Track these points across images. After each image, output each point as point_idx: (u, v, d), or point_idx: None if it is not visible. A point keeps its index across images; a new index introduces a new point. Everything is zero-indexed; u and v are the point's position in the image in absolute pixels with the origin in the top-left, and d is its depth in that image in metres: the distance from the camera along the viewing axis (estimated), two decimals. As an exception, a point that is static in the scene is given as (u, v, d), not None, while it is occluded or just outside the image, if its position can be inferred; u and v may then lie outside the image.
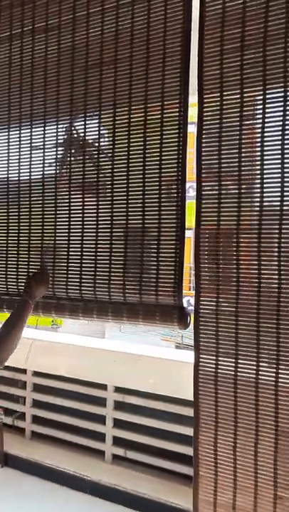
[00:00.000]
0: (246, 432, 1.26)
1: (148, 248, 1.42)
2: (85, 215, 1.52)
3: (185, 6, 1.32)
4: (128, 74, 1.42)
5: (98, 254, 1.50)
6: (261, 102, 1.23)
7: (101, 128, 1.50)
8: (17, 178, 1.66)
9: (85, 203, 1.52)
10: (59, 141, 1.57)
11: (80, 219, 1.53)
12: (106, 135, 1.49)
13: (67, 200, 1.56)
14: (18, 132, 1.65)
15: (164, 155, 1.37)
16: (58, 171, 1.59)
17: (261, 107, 1.23)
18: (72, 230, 1.55)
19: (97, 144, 1.51)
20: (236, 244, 1.25)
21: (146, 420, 1.66)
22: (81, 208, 1.53)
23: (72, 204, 1.55)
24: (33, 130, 1.61)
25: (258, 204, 1.22)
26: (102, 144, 1.50)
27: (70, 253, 1.55)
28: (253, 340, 1.25)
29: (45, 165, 1.60)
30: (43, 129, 1.60)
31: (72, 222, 1.55)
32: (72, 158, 1.56)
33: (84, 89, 1.51)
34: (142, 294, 1.42)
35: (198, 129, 1.31)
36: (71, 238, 1.55)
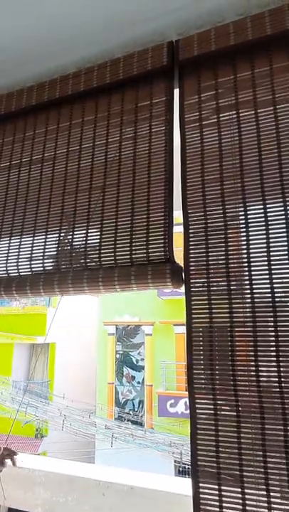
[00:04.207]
0: None
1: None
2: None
3: (167, 142, 1.48)
4: (115, 197, 1.52)
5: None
6: (243, 212, 1.28)
7: (88, 238, 1.53)
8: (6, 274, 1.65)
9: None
10: (46, 252, 1.60)
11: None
12: (94, 243, 1.52)
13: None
14: (8, 242, 1.69)
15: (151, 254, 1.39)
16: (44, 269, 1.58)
17: (243, 216, 1.27)
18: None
19: (84, 255, 1.52)
20: (231, 340, 1.15)
21: None
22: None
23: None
24: (22, 240, 1.66)
25: (249, 297, 1.17)
26: (88, 252, 1.52)
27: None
28: (260, 458, 1.06)
29: (32, 266, 1.61)
30: (32, 240, 1.64)
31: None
32: (62, 264, 1.55)
33: (73, 209, 1.60)
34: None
35: (184, 232, 1.34)
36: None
